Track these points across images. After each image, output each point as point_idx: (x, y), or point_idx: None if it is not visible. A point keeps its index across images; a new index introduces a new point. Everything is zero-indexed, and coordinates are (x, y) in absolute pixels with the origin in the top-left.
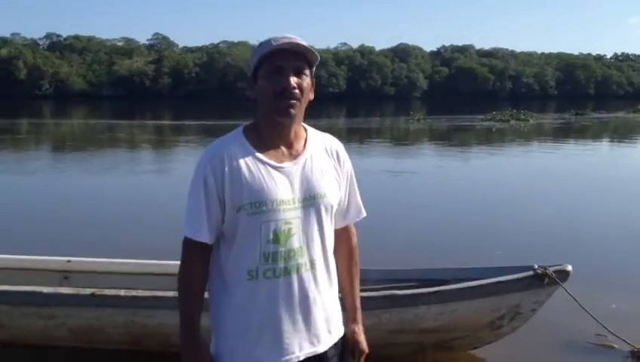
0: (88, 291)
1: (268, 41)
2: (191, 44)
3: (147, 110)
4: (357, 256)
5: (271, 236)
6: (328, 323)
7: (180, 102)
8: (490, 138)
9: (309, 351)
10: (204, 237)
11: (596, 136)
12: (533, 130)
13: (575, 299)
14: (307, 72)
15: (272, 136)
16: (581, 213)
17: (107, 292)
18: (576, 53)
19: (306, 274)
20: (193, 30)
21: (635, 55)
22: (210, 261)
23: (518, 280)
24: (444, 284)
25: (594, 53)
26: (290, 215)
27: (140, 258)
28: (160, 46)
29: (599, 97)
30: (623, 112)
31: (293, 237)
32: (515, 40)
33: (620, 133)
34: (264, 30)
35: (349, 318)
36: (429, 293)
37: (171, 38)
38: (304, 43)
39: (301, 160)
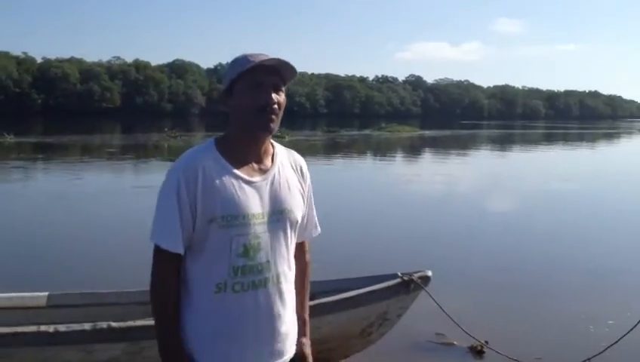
0: None
1: (245, 57)
2: None
3: None
4: (310, 271)
5: (241, 249)
6: (288, 338)
7: None
8: None
9: None
10: (179, 248)
11: (353, 152)
12: (290, 146)
13: (437, 303)
14: (283, 88)
15: (244, 150)
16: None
17: None
18: (342, 74)
19: (273, 289)
20: None
21: (393, 77)
22: None
23: (387, 288)
24: (313, 298)
25: (358, 75)
26: (260, 229)
27: None
28: None
29: (364, 116)
30: (369, 130)
31: (262, 252)
32: (287, 60)
33: (371, 149)
34: (27, 42)
35: (299, 332)
36: (309, 307)
37: None
38: (285, 60)
39: (270, 175)
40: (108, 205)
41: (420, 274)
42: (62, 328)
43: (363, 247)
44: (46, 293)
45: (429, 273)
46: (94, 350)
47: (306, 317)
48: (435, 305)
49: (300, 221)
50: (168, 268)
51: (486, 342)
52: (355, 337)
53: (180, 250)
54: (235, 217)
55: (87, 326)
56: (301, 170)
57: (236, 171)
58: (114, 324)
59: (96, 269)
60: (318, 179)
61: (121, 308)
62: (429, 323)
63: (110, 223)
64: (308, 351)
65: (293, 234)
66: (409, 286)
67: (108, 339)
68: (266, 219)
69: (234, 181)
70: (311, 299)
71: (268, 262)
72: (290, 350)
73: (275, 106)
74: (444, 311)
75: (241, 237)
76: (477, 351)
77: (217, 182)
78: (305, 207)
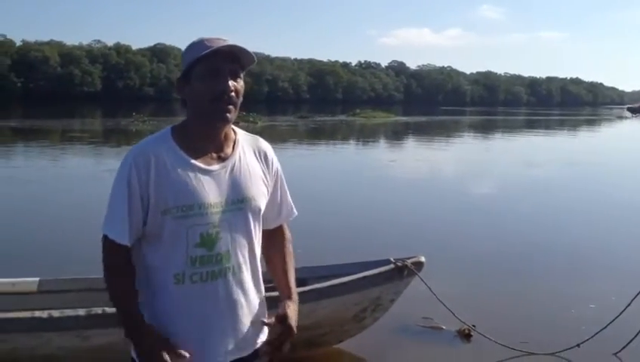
0: None
1: (201, 42)
2: None
3: None
4: (290, 248)
5: (198, 240)
6: (254, 328)
7: None
8: None
9: (235, 356)
10: (125, 240)
11: (325, 137)
12: (262, 130)
13: (430, 290)
14: (241, 75)
15: (201, 138)
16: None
17: None
18: (325, 60)
19: (233, 279)
20: None
21: (376, 63)
22: (134, 260)
23: (381, 273)
24: (306, 283)
25: (341, 61)
26: (218, 218)
27: None
28: None
29: (346, 102)
30: (344, 116)
31: (221, 241)
32: (271, 45)
33: (344, 135)
34: (5, 24)
35: (282, 296)
36: (302, 293)
37: None
38: (242, 45)
39: (229, 163)
40: (91, 189)
41: (413, 259)
42: (56, 313)
43: (348, 233)
44: (37, 279)
45: (422, 258)
46: (89, 336)
47: (292, 284)
48: (422, 289)
49: (262, 209)
50: (118, 255)
51: (473, 326)
52: (348, 322)
53: (125, 241)
54: (189, 207)
55: (81, 311)
56: (265, 157)
57: (192, 160)
58: (109, 310)
59: (86, 253)
60: (293, 164)
61: None
62: (417, 307)
63: (93, 206)
64: (290, 312)
65: (256, 223)
66: (402, 271)
67: (103, 325)
68: (225, 208)
69: (189, 170)
70: (304, 284)
71: (228, 251)
72: (257, 340)
73: (233, 94)
74: (437, 297)
75: (197, 227)
76: (465, 335)
77: (171, 171)
78: (270, 194)
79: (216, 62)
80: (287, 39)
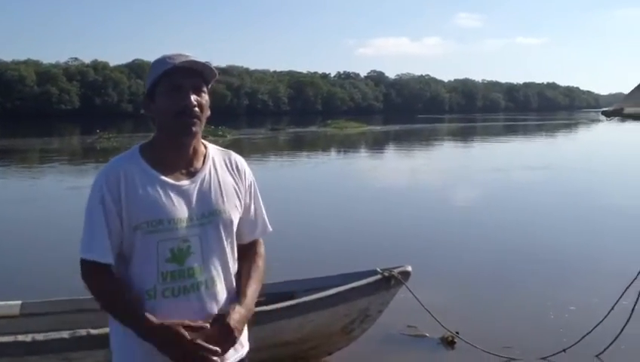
0: None
1: (163, 59)
2: None
3: None
4: (261, 263)
5: (169, 255)
6: None
7: None
8: None
9: None
10: (109, 258)
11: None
12: (230, 144)
13: (417, 299)
14: (205, 89)
15: (170, 153)
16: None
17: None
18: (304, 71)
19: (206, 292)
20: None
21: (355, 73)
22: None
23: (369, 284)
24: (294, 296)
25: (320, 72)
26: (189, 233)
27: None
28: None
29: (326, 112)
30: (315, 127)
31: (192, 256)
32: (250, 58)
33: (315, 146)
34: None
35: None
36: (290, 307)
37: None
38: (202, 60)
39: (199, 177)
40: (71, 208)
41: (400, 269)
42: (39, 337)
43: (322, 244)
44: (19, 302)
45: (409, 268)
46: (74, 358)
47: (248, 293)
48: (403, 297)
49: (235, 222)
50: (102, 276)
51: (457, 333)
52: (336, 334)
53: (109, 260)
54: (159, 222)
55: (65, 334)
56: (237, 169)
57: (160, 176)
58: (93, 331)
59: (68, 274)
60: (265, 177)
61: (98, 314)
62: (400, 315)
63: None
64: (234, 313)
65: (229, 236)
66: (389, 281)
67: (88, 346)
68: (195, 222)
69: (158, 186)
70: (291, 297)
71: (200, 266)
72: (239, 350)
73: (196, 109)
74: (423, 305)
75: (167, 242)
76: (448, 342)
77: (140, 188)
78: (244, 207)
79: (177, 78)
80: (266, 51)
